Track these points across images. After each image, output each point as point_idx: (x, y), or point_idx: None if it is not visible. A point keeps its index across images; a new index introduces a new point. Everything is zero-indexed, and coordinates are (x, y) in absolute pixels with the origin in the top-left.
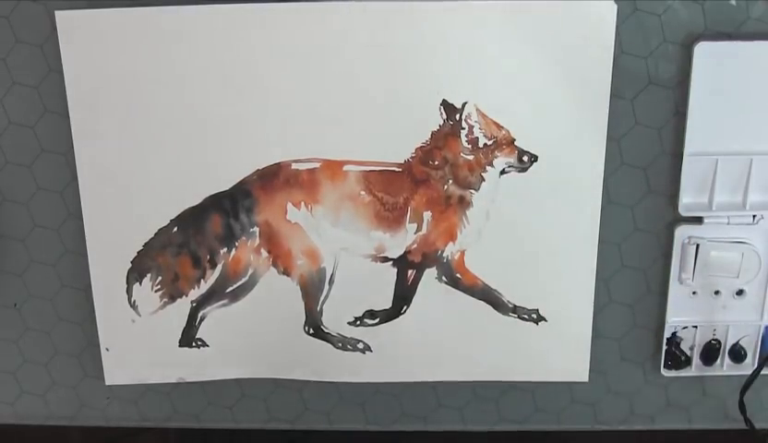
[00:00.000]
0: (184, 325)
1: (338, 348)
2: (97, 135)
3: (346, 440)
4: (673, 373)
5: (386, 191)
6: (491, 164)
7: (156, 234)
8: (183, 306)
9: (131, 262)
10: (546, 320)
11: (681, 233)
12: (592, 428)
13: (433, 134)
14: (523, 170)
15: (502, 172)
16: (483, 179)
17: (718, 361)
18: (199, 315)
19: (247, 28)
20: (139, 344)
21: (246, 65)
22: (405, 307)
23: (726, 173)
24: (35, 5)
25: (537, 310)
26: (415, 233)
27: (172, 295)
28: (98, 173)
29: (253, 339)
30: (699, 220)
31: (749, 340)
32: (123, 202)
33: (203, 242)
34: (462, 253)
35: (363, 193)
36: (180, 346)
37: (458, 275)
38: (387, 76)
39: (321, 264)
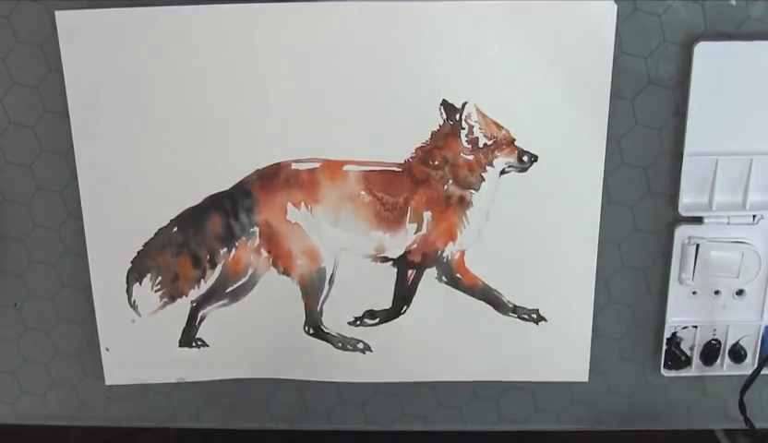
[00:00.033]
0: (184, 325)
1: (338, 348)
2: (97, 135)
3: (346, 440)
4: (673, 373)
5: (386, 191)
6: (491, 164)
7: (156, 234)
8: (183, 306)
9: (131, 262)
10: (545, 320)
11: (681, 233)
12: (592, 428)
13: (433, 134)
14: (523, 170)
15: (502, 172)
16: (483, 179)
17: (718, 361)
18: (199, 315)
19: (247, 28)
20: (139, 344)
21: (246, 65)
22: (405, 307)
23: (726, 173)
24: (35, 5)
25: (537, 310)
26: (415, 233)
27: (172, 295)
28: (98, 173)
29: (253, 339)
30: (699, 220)
31: (749, 340)
32: (123, 202)
33: (203, 242)
34: (462, 253)
35: (363, 193)
36: (180, 346)
37: (458, 275)
38: (387, 76)
39: (321, 264)
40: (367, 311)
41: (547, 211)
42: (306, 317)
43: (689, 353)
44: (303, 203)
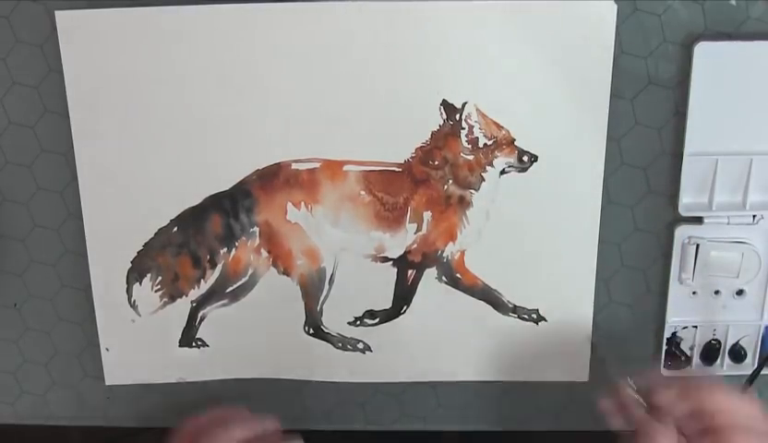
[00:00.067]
0: (184, 325)
1: (338, 348)
2: (97, 135)
3: (346, 440)
4: (673, 373)
5: (386, 191)
6: (491, 164)
7: (156, 234)
8: (183, 306)
9: (131, 262)
10: (545, 320)
11: (681, 233)
12: (592, 428)
13: (433, 134)
14: (523, 170)
15: (502, 172)
16: (483, 179)
17: (718, 361)
18: (199, 315)
19: (247, 28)
20: (139, 344)
21: (246, 65)
22: (405, 307)
23: (726, 173)
24: (35, 5)
25: (537, 310)
26: (415, 233)
27: (172, 295)
28: (98, 173)
29: (253, 339)
30: (699, 220)
31: (749, 340)
32: (123, 202)
33: (203, 242)
34: (462, 253)
35: (363, 193)
36: (180, 346)
37: (458, 275)
38: (387, 76)
39: (321, 264)
40: (367, 311)
41: (547, 211)
42: (306, 317)
43: (689, 353)
44: (303, 203)
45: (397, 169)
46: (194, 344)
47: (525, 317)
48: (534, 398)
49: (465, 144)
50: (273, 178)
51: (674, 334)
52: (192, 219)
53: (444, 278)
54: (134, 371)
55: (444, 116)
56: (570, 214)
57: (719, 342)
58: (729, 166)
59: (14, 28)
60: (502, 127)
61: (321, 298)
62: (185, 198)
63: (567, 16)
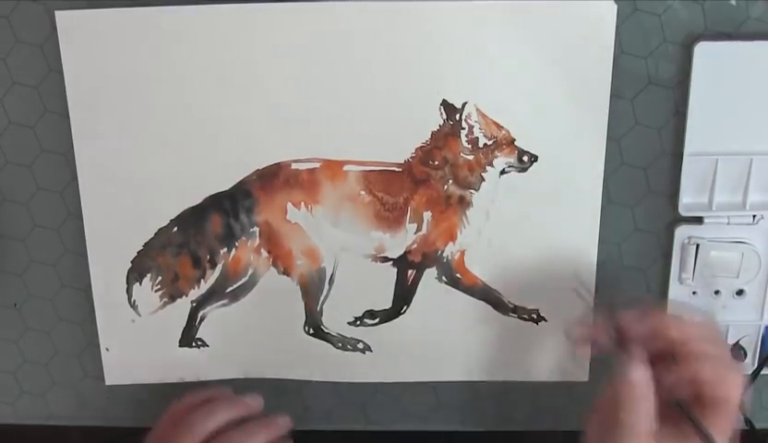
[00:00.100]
0: (184, 325)
1: (338, 348)
2: (97, 135)
3: (346, 440)
4: None
5: (386, 191)
6: (491, 164)
7: (156, 234)
8: (183, 306)
9: (131, 262)
10: (545, 320)
11: (681, 233)
12: None
13: (433, 134)
14: (523, 170)
15: (502, 172)
16: (483, 179)
17: None
18: (199, 315)
19: (247, 28)
20: (139, 344)
21: (246, 65)
22: (405, 307)
23: (726, 173)
24: (35, 5)
25: (537, 310)
26: (415, 233)
27: (172, 295)
28: (98, 173)
29: (253, 339)
30: (699, 220)
31: (749, 340)
32: (123, 202)
33: (203, 242)
34: (462, 253)
35: (363, 193)
36: (180, 346)
37: (458, 275)
38: (387, 76)
39: (321, 264)
40: (367, 311)
41: (547, 211)
42: (306, 317)
43: None
44: (303, 203)
45: (397, 169)
46: (194, 344)
47: (525, 317)
48: (534, 398)
49: (465, 144)
50: (273, 178)
51: None
52: (192, 219)
53: (444, 278)
54: (134, 371)
55: (444, 116)
56: (570, 214)
57: None
58: (729, 166)
59: (14, 28)
60: (502, 127)
61: (321, 298)
62: (185, 198)
63: (567, 16)
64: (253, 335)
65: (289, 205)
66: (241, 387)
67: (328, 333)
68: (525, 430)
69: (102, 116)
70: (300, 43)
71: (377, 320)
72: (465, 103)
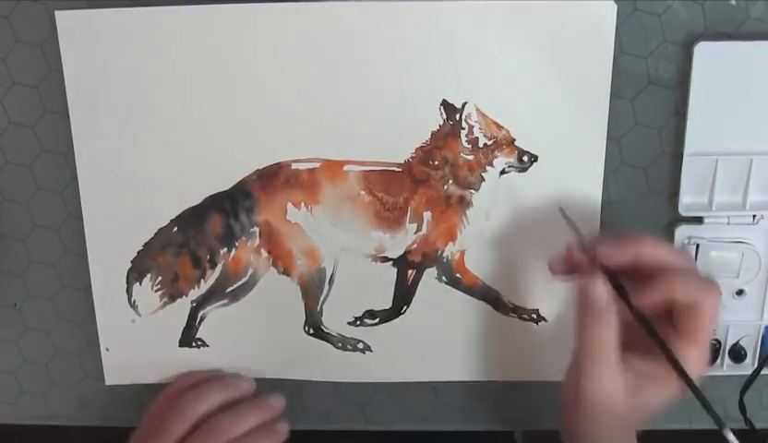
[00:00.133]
0: (184, 325)
1: (338, 348)
2: (97, 135)
3: (346, 440)
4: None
5: (386, 191)
6: (491, 164)
7: (156, 234)
8: (183, 306)
9: (131, 262)
10: (545, 320)
11: (681, 233)
12: None
13: (433, 134)
14: (523, 170)
15: (502, 172)
16: (483, 179)
17: (718, 361)
18: (199, 315)
19: (247, 28)
20: (139, 344)
21: (246, 65)
22: (405, 307)
23: (726, 173)
24: (35, 5)
25: (537, 310)
26: (415, 234)
27: (172, 295)
28: (98, 173)
29: (253, 339)
30: (699, 220)
31: (749, 340)
32: (123, 202)
33: (203, 242)
34: (462, 253)
35: (363, 193)
36: (180, 346)
37: (458, 275)
38: (387, 76)
39: (321, 264)
40: (367, 311)
41: (547, 211)
42: (306, 317)
43: None
44: (303, 203)
45: (397, 169)
46: (194, 344)
47: (525, 317)
48: (534, 398)
49: (465, 144)
50: (273, 178)
51: None
52: (192, 219)
53: (444, 278)
54: (134, 371)
55: (444, 116)
56: (570, 214)
57: (719, 342)
58: (729, 166)
59: (14, 28)
60: (502, 127)
61: (321, 298)
62: (185, 198)
63: (567, 16)
64: (253, 335)
65: (289, 205)
66: None
67: (328, 333)
68: (525, 430)
69: (102, 116)
70: (300, 43)
71: (377, 320)
72: (465, 103)
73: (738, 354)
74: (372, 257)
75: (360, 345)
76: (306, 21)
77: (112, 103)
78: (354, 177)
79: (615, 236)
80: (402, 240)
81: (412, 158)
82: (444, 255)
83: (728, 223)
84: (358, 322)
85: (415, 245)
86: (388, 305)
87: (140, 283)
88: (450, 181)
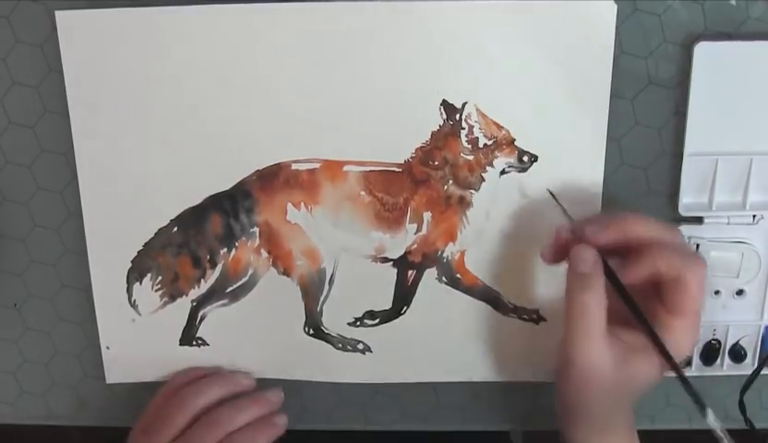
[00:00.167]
0: (184, 324)
1: (338, 348)
2: (97, 135)
3: (346, 440)
4: (673, 373)
5: (386, 191)
6: (491, 164)
7: (156, 234)
8: (183, 306)
9: (131, 262)
10: (545, 320)
11: (681, 232)
12: None
13: (433, 134)
14: (523, 170)
15: (502, 172)
16: (483, 179)
17: (718, 361)
18: (200, 314)
19: (247, 28)
20: (140, 343)
21: (246, 65)
22: (405, 308)
23: (726, 173)
24: (35, 5)
25: (537, 310)
26: (415, 234)
27: (172, 295)
28: (98, 173)
29: (253, 339)
30: (699, 220)
31: (749, 340)
32: (123, 202)
33: (203, 242)
34: (462, 253)
35: (363, 193)
36: (181, 345)
37: (458, 275)
38: (387, 76)
39: (321, 264)
40: (367, 312)
41: (547, 212)
42: (306, 317)
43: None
44: (303, 203)
45: (397, 169)
46: (194, 343)
47: (525, 317)
48: (534, 398)
49: (465, 144)
50: (273, 179)
51: None
52: (192, 219)
53: (444, 278)
54: (134, 369)
55: (444, 116)
56: (571, 214)
57: (719, 342)
58: (729, 166)
59: (14, 28)
60: (502, 127)
61: (321, 299)
62: (185, 198)
63: (567, 16)
64: (253, 335)
65: (289, 205)
66: None
67: (328, 334)
68: (525, 430)
69: (102, 116)
70: (300, 43)
71: (377, 321)
72: (465, 103)
73: (737, 354)
74: (372, 258)
75: (360, 346)
76: (306, 21)
77: (112, 103)
78: (353, 177)
79: (602, 216)
80: (402, 240)
81: (412, 158)
82: (444, 255)
83: (728, 223)
84: (358, 323)
85: (415, 246)
86: (388, 305)
87: (141, 283)
88: (450, 181)
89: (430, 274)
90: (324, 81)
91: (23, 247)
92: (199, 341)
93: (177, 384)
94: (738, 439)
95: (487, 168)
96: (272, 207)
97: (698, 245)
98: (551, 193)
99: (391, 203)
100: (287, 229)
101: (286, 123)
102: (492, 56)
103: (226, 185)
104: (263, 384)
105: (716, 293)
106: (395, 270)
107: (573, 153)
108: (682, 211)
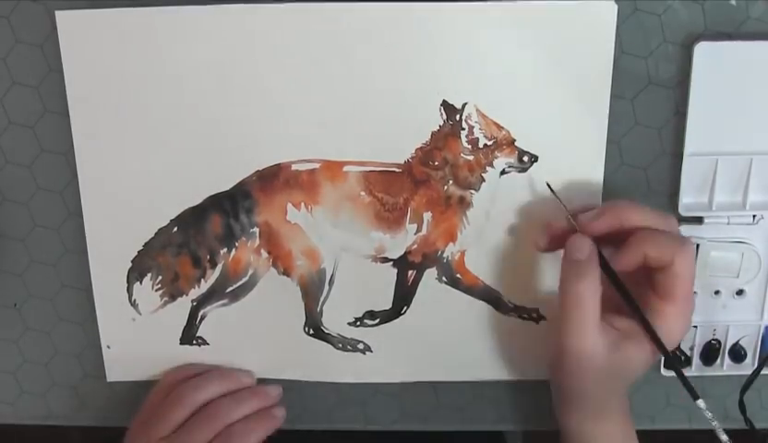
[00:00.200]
0: (184, 323)
1: (338, 348)
2: (97, 135)
3: (346, 440)
4: (673, 373)
5: (386, 192)
6: (491, 165)
7: (156, 234)
8: (183, 305)
9: (131, 262)
10: (546, 319)
11: (681, 232)
12: None
13: (433, 134)
14: (523, 170)
15: (502, 172)
16: (483, 179)
17: (718, 361)
18: (200, 314)
19: (247, 28)
20: (140, 342)
21: (246, 65)
22: (405, 308)
23: (726, 173)
24: (35, 5)
25: (537, 310)
26: (415, 234)
27: (172, 295)
28: (98, 173)
29: (253, 339)
30: (699, 220)
31: (749, 340)
32: (123, 202)
33: (203, 242)
34: (463, 253)
35: (363, 193)
36: (181, 344)
37: (458, 275)
38: (387, 76)
39: (321, 265)
40: (367, 312)
41: (547, 212)
42: (306, 317)
43: (688, 352)
44: (303, 204)
45: (397, 169)
46: (195, 342)
47: (525, 316)
48: (534, 398)
49: (465, 144)
50: (273, 179)
51: None
52: (192, 219)
53: (444, 278)
54: (135, 368)
55: (444, 117)
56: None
57: (719, 342)
58: (729, 166)
59: (14, 28)
60: (502, 128)
61: (321, 299)
62: (185, 198)
63: (567, 16)
64: (253, 335)
65: (289, 206)
66: None
67: (328, 334)
68: (525, 430)
69: (101, 116)
70: (300, 43)
71: (377, 321)
72: (465, 104)
73: (737, 354)
74: (372, 258)
75: (360, 346)
76: (306, 21)
77: (112, 103)
78: (353, 178)
79: (596, 206)
80: (402, 240)
81: (412, 158)
82: (444, 255)
83: (728, 223)
84: (358, 323)
85: (416, 246)
86: (388, 305)
87: (141, 283)
88: (451, 181)
89: (430, 274)
90: (324, 81)
91: (23, 247)
92: (200, 341)
93: (171, 381)
94: (738, 439)
95: (487, 168)
96: (272, 207)
97: (698, 245)
98: (549, 186)
99: (391, 203)
100: (287, 229)
101: (286, 123)
102: (492, 56)
103: (226, 185)
104: (263, 384)
105: (716, 293)
106: (395, 270)
107: (573, 153)
108: (682, 211)
